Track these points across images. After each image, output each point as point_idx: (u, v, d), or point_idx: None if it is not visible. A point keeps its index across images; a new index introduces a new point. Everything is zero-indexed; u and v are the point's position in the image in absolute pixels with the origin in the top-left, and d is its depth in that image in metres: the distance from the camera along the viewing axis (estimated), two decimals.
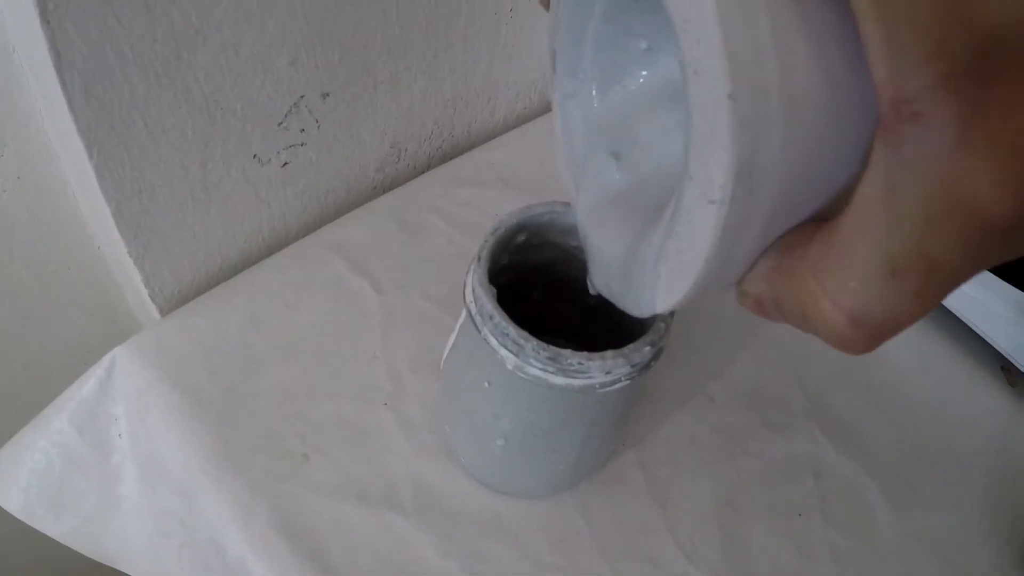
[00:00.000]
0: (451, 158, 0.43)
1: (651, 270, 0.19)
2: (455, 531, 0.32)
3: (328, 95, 0.36)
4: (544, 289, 0.32)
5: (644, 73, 0.22)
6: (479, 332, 0.26)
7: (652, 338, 0.26)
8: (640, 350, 0.25)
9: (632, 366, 0.26)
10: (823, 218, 0.15)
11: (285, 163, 0.36)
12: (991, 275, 0.43)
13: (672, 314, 0.27)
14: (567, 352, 0.25)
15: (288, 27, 0.32)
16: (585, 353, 0.25)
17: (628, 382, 0.26)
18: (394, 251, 0.38)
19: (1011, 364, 0.44)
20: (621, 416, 0.30)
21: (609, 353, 0.25)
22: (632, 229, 0.21)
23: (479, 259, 0.27)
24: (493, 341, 0.26)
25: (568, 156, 0.25)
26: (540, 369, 0.25)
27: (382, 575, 0.31)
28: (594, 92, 0.23)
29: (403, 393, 0.34)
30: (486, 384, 0.28)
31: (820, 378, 0.41)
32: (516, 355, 0.25)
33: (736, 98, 0.13)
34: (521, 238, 0.29)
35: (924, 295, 0.13)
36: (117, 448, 0.35)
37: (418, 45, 0.38)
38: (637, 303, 0.20)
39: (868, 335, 0.14)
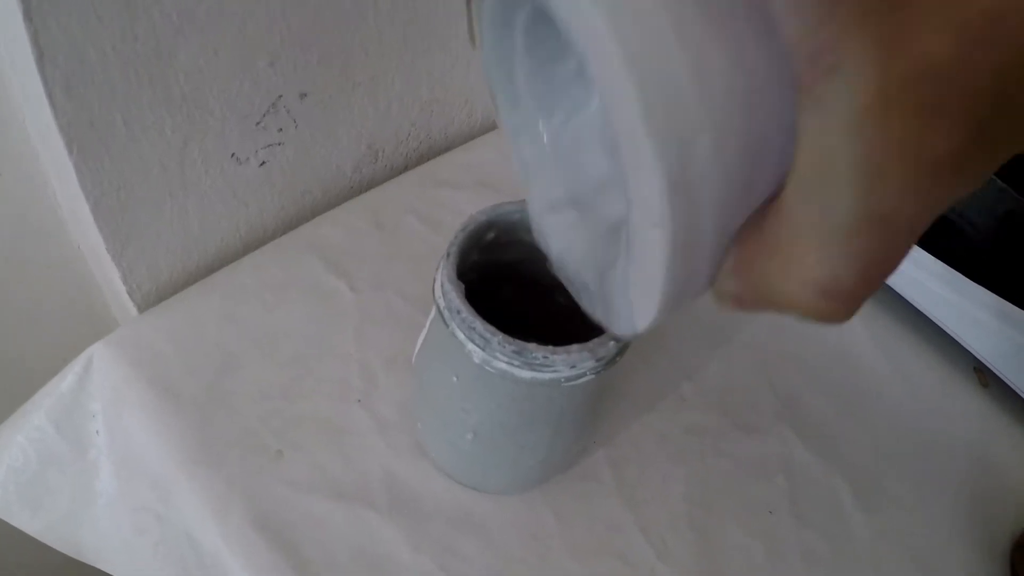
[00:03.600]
0: (428, 159, 0.44)
1: (622, 295, 0.19)
2: (427, 527, 0.32)
3: (306, 95, 0.36)
4: (515, 286, 0.32)
5: (581, 94, 0.21)
6: (447, 327, 0.27)
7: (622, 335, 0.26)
8: (605, 344, 0.26)
9: (597, 360, 0.26)
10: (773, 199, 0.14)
11: (263, 162, 0.37)
12: (964, 278, 0.43)
13: None
14: (532, 346, 0.25)
15: (268, 28, 0.33)
16: (550, 347, 0.25)
17: (593, 376, 0.26)
18: (370, 251, 0.38)
19: (983, 365, 0.45)
20: (589, 412, 0.30)
21: (574, 347, 0.26)
22: (602, 260, 0.21)
23: (448, 255, 0.28)
24: (460, 335, 0.26)
25: (531, 194, 0.24)
26: (506, 363, 0.26)
27: (355, 569, 0.31)
28: (540, 124, 0.22)
29: (377, 391, 0.35)
30: (454, 379, 0.28)
31: (791, 379, 0.42)
32: (483, 349, 0.26)
33: (650, 116, 0.12)
34: (491, 235, 0.30)
35: (887, 251, 0.13)
36: (94, 444, 0.36)
37: (397, 48, 0.38)
38: (620, 326, 0.20)
39: (843, 303, 0.13)
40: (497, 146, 0.46)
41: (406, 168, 0.44)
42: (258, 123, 0.36)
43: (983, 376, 0.47)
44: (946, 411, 0.45)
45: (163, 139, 0.33)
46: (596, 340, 0.26)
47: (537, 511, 0.33)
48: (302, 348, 0.36)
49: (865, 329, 0.46)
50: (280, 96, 0.36)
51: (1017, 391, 0.44)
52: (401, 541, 0.32)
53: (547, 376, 0.26)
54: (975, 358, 0.45)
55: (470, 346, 0.26)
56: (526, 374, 0.26)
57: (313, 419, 0.34)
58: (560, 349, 0.25)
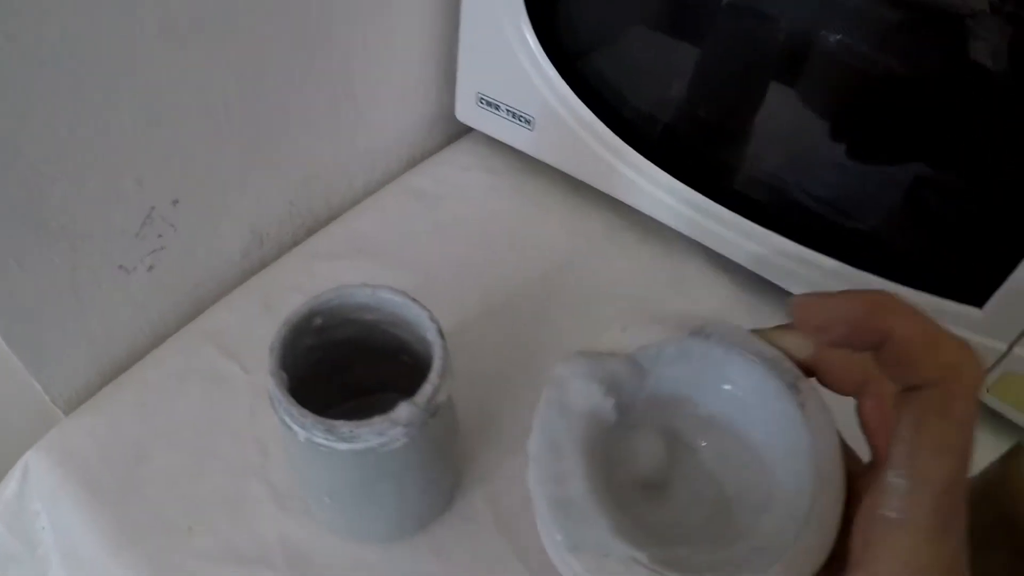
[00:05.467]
0: (314, 232, 0.47)
1: None
2: None
3: (178, 201, 0.40)
4: (364, 354, 0.35)
5: None
6: (279, 418, 0.30)
7: (418, 399, 0.29)
8: (409, 411, 0.29)
9: (405, 426, 0.29)
10: None
11: (151, 267, 0.41)
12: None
13: (443, 372, 0.30)
14: (339, 423, 0.28)
15: (129, 155, 0.37)
16: (355, 422, 0.28)
17: (407, 440, 0.29)
18: (259, 332, 0.41)
19: None
20: (431, 463, 0.33)
21: (376, 419, 0.29)
22: None
23: (271, 350, 0.31)
24: (287, 419, 0.30)
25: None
26: (324, 439, 0.29)
27: None
28: None
29: (269, 462, 0.38)
30: (298, 457, 0.32)
31: None
32: (304, 428, 0.29)
33: None
34: (318, 321, 0.33)
35: None
36: (42, 540, 0.40)
37: (255, 140, 0.42)
38: None
39: None
40: (375, 212, 0.49)
41: (294, 244, 0.47)
42: (137, 234, 0.40)
43: None
44: None
45: (53, 269, 0.37)
46: (396, 409, 0.29)
47: (420, 556, 0.36)
48: (203, 431, 0.40)
49: None
50: (153, 207, 0.40)
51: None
52: None
53: (361, 446, 0.29)
54: None
55: (295, 427, 0.29)
56: (343, 446, 0.29)
57: (216, 495, 0.38)
58: (363, 423, 0.28)
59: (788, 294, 0.46)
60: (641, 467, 0.29)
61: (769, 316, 0.49)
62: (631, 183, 0.46)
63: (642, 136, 0.46)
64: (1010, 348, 0.40)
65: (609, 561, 0.25)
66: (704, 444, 0.30)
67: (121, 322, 0.41)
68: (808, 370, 0.26)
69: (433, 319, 0.31)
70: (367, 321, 0.33)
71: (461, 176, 0.53)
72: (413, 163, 0.54)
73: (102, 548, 0.37)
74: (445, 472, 0.35)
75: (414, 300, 0.32)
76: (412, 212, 0.50)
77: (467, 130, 0.56)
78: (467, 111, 0.51)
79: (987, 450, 0.37)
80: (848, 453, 0.27)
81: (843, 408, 0.26)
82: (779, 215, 0.45)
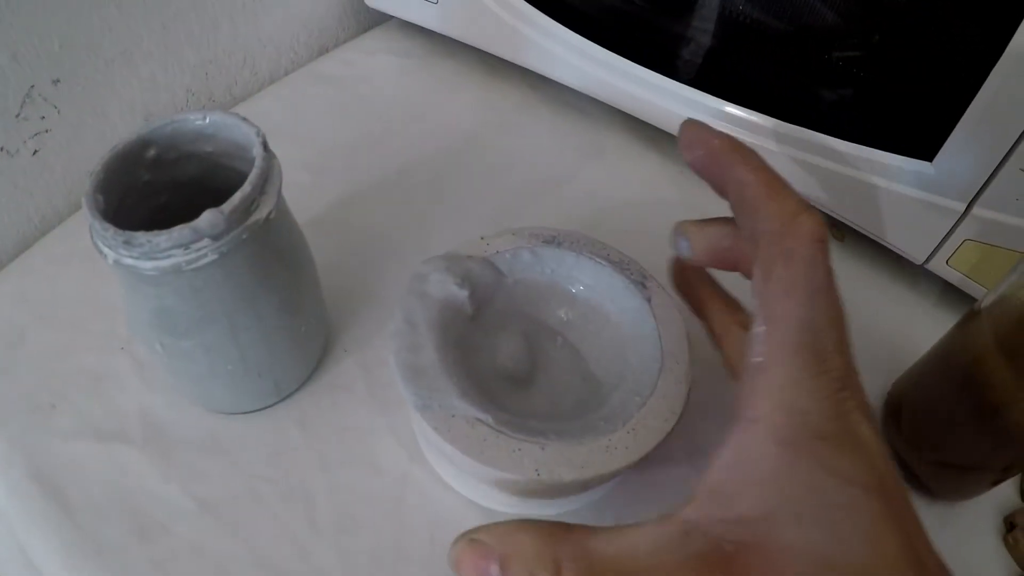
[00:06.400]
0: None
1: None
2: (176, 455, 0.33)
3: (59, 81, 0.39)
4: (212, 199, 0.33)
5: None
6: (93, 243, 0.27)
7: (224, 207, 0.26)
8: (212, 218, 0.26)
9: (211, 237, 0.26)
10: None
11: (35, 151, 0.39)
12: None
13: (260, 185, 0.27)
14: (138, 233, 0.26)
15: (1, 27, 0.36)
16: (154, 232, 0.26)
17: (216, 257, 0.26)
18: None
19: (834, 218, 0.41)
20: (264, 301, 0.29)
21: (176, 227, 0.26)
22: None
23: (90, 174, 0.28)
24: (98, 243, 0.27)
25: None
26: (128, 256, 0.26)
27: (111, 506, 0.32)
28: None
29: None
30: (122, 291, 0.29)
31: None
32: (111, 248, 0.26)
33: None
34: (152, 152, 0.30)
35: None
36: None
37: (141, 19, 0.40)
38: None
39: None
40: (277, 96, 0.47)
41: None
42: (18, 115, 0.38)
43: (836, 230, 0.43)
44: None
45: None
46: (200, 219, 0.26)
47: (282, 427, 0.33)
48: (76, 311, 0.38)
49: (708, 208, 0.43)
50: (32, 86, 0.38)
51: (871, 235, 0.39)
52: (153, 472, 0.32)
53: (167, 263, 0.26)
54: (822, 213, 0.40)
55: (104, 250, 0.27)
56: (148, 264, 0.26)
57: (82, 371, 0.36)
58: (163, 232, 0.26)
59: None
60: (504, 362, 0.32)
61: (696, 185, 0.45)
62: (542, 50, 0.43)
63: None
64: (968, 208, 0.35)
65: (456, 421, 0.27)
66: (561, 341, 0.33)
67: (5, 208, 0.40)
68: (730, 263, 0.27)
69: (259, 134, 0.28)
70: (206, 154, 0.31)
71: (369, 60, 0.50)
72: (324, 53, 0.52)
73: None
74: (292, 324, 0.31)
75: (244, 119, 0.29)
76: (314, 94, 0.48)
77: (382, 20, 0.54)
78: None
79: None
80: None
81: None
82: (709, 74, 0.41)
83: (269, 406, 0.34)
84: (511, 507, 0.31)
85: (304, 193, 0.42)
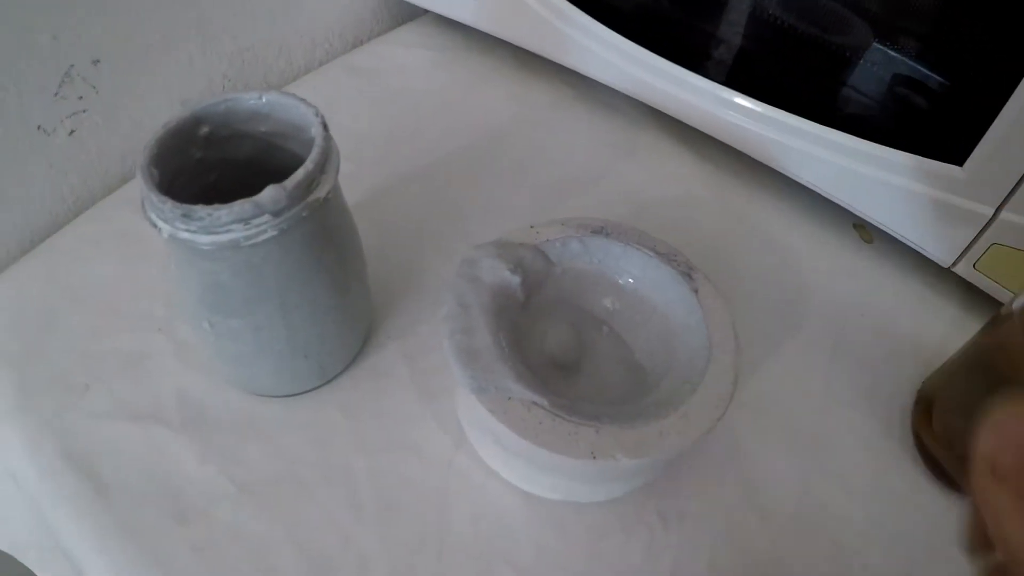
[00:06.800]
0: None
1: None
2: (214, 437, 0.32)
3: (99, 62, 0.39)
4: (268, 179, 0.33)
5: None
6: (146, 217, 0.27)
7: (287, 183, 0.26)
8: (274, 193, 0.26)
9: (272, 213, 0.26)
10: None
11: (72, 131, 0.39)
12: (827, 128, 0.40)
13: (321, 164, 0.27)
14: (198, 207, 0.26)
15: (42, 4, 0.35)
16: (215, 205, 0.26)
17: (275, 233, 0.26)
18: None
19: (863, 220, 0.41)
20: (316, 279, 0.29)
21: (238, 202, 0.26)
22: None
23: (144, 148, 0.28)
24: (152, 215, 0.27)
25: None
26: (185, 230, 0.26)
27: (147, 487, 0.32)
28: None
29: (177, 315, 0.36)
30: (173, 267, 0.29)
31: None
32: (166, 222, 0.26)
33: None
34: (204, 130, 0.30)
35: None
36: None
37: (182, 4, 0.40)
38: None
39: None
40: (310, 85, 0.47)
41: None
42: (56, 94, 0.38)
43: (864, 231, 0.43)
44: (831, 273, 0.41)
45: None
46: (262, 194, 0.26)
47: (323, 410, 0.33)
48: (112, 292, 0.37)
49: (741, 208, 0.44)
50: (72, 65, 0.38)
51: (900, 237, 0.40)
52: (189, 454, 0.32)
53: (225, 238, 0.26)
54: (852, 214, 0.41)
55: (160, 223, 0.27)
56: (205, 239, 0.26)
57: (117, 352, 0.35)
58: (224, 206, 0.25)
59: (753, 162, 0.42)
60: (552, 349, 0.32)
61: (730, 184, 0.45)
62: (579, 46, 0.43)
63: None
64: (996, 213, 0.35)
65: (512, 403, 0.27)
66: (607, 330, 0.33)
67: (40, 187, 0.39)
68: None
69: (319, 114, 0.28)
70: (261, 135, 0.31)
71: (403, 53, 0.51)
72: (358, 45, 0.52)
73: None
74: (341, 305, 0.31)
75: (302, 100, 0.29)
76: (348, 86, 0.48)
77: (417, 14, 0.54)
78: None
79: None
80: None
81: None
82: (741, 73, 0.41)
83: (311, 389, 0.33)
84: (558, 493, 0.31)
85: (345, 180, 0.42)
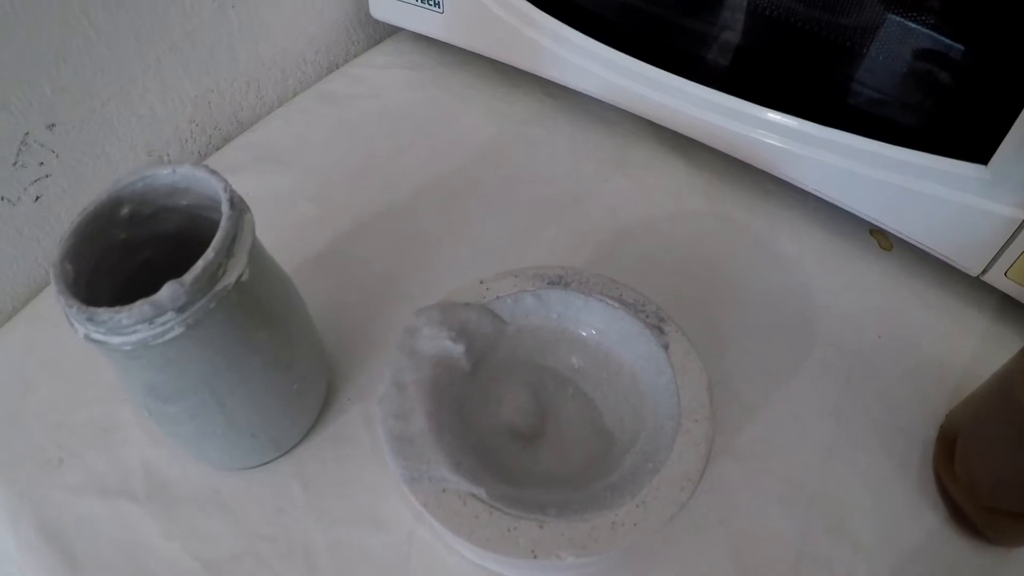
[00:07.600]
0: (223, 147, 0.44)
1: None
2: (178, 512, 0.32)
3: (54, 125, 0.38)
4: (200, 252, 0.31)
5: None
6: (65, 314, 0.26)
7: (185, 278, 0.24)
8: (172, 291, 0.24)
9: (176, 311, 0.24)
10: None
11: (37, 197, 0.39)
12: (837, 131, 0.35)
13: (225, 248, 0.25)
14: (100, 310, 0.24)
15: None
16: (115, 308, 0.24)
17: (183, 330, 0.25)
18: None
19: (880, 227, 0.36)
20: (246, 368, 0.28)
21: (137, 303, 0.24)
22: None
23: (59, 241, 0.27)
24: (68, 316, 0.26)
25: None
26: (95, 332, 0.25)
27: (116, 562, 0.32)
28: None
29: None
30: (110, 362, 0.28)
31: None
32: (79, 323, 0.25)
33: None
34: (125, 211, 0.29)
35: None
36: None
37: (133, 56, 0.39)
38: None
39: None
40: (282, 118, 0.45)
41: (202, 161, 0.44)
42: (15, 163, 0.38)
43: (883, 238, 0.38)
44: (849, 282, 0.37)
45: None
46: (160, 293, 0.24)
47: (282, 483, 0.32)
48: (84, 360, 0.37)
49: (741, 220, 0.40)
50: (27, 133, 0.38)
51: (921, 246, 0.35)
52: (155, 529, 0.32)
53: (135, 338, 0.25)
54: (868, 221, 0.36)
55: (75, 324, 0.26)
56: (116, 340, 0.25)
57: (88, 424, 0.35)
58: (123, 308, 0.24)
59: (753, 169, 0.38)
60: (510, 417, 0.29)
61: (728, 195, 0.41)
62: (556, 56, 0.40)
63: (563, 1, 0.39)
64: None
65: (447, 496, 0.25)
66: (572, 390, 0.30)
67: (11, 255, 0.39)
68: None
69: (227, 189, 0.27)
70: (184, 207, 0.29)
71: (376, 75, 0.48)
72: (334, 69, 0.50)
73: None
74: (283, 380, 0.30)
75: (212, 172, 0.27)
76: (320, 115, 0.46)
77: (392, 32, 0.51)
78: (379, 6, 0.47)
79: (1014, 344, 0.29)
80: None
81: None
82: (739, 77, 0.37)
83: (270, 461, 0.32)
84: (521, 571, 0.29)
85: (309, 226, 0.40)
